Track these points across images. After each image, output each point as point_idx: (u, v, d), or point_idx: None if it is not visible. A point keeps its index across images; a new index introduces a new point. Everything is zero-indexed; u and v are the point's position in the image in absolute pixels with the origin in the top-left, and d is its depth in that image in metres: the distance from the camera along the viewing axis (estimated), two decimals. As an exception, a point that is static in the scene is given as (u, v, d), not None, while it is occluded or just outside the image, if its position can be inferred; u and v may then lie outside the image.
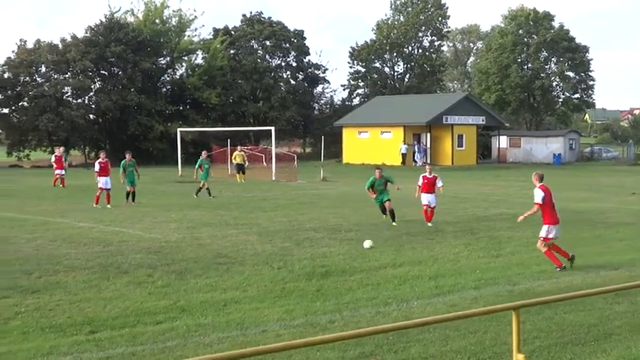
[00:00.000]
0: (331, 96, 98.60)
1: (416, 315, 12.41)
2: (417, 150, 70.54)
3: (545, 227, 16.85)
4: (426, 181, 24.64)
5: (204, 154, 35.73)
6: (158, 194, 36.48)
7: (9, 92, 75.86)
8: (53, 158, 43.46)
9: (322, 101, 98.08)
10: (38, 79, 76.94)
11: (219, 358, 6.25)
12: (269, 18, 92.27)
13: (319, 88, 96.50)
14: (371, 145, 72.53)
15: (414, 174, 54.23)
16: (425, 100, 76.54)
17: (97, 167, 31.13)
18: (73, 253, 18.37)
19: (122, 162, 31.50)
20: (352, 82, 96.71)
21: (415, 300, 13.64)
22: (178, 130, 60.27)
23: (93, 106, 78.63)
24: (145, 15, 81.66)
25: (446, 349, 10.67)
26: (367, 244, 19.38)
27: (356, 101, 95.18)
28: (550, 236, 16.79)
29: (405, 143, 69.73)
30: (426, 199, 24.63)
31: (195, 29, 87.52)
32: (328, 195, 36.50)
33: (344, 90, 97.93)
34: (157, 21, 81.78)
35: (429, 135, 70.50)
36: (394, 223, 23.88)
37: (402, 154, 69.27)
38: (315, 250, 18.95)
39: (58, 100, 74.10)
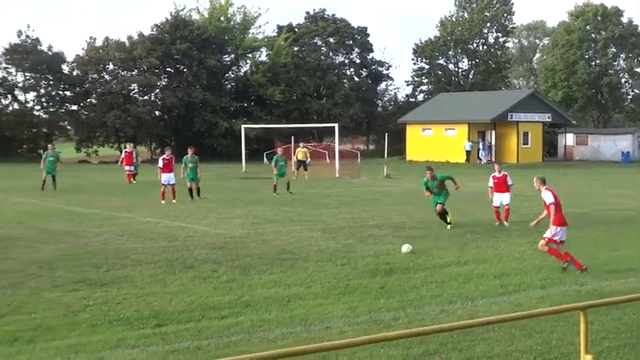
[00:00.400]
0: (395, 93, 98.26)
1: (481, 314, 12.29)
2: (481, 147, 69.88)
3: (553, 228, 16.33)
4: (496, 180, 24.10)
5: (279, 150, 35.86)
6: (223, 190, 36.77)
7: (78, 89, 77.30)
8: (123, 154, 44.24)
9: (386, 98, 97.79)
10: (106, 76, 78.23)
11: (284, 353, 6.27)
12: (332, 15, 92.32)
13: (383, 85, 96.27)
14: (435, 142, 72.05)
15: (479, 172, 53.81)
16: (490, 97, 75.73)
17: (160, 163, 31.54)
18: (139, 247, 18.63)
19: (184, 158, 31.82)
20: (416, 79, 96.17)
21: (480, 298, 13.52)
22: (242, 126, 60.66)
23: (159, 102, 79.64)
24: (209, 12, 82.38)
25: (511, 348, 10.55)
26: (405, 248, 18.29)
27: (420, 98, 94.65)
28: (556, 238, 16.37)
29: (469, 140, 69.11)
30: (498, 199, 23.95)
31: (260, 26, 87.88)
32: (391, 192, 36.38)
33: (407, 86, 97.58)
34: (222, 18, 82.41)
35: (493, 132, 69.76)
36: (448, 227, 22.69)
37: (467, 151, 68.67)
38: (378, 248, 18.91)
39: (125, 96, 75.28)
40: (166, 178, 30.87)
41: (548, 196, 16.56)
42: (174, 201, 30.05)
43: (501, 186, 23.96)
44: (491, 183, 24.21)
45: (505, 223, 23.54)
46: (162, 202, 29.98)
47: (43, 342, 10.72)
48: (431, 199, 23.91)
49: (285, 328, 11.54)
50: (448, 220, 23.08)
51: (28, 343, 10.65)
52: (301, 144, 50.99)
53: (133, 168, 41.99)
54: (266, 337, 11.06)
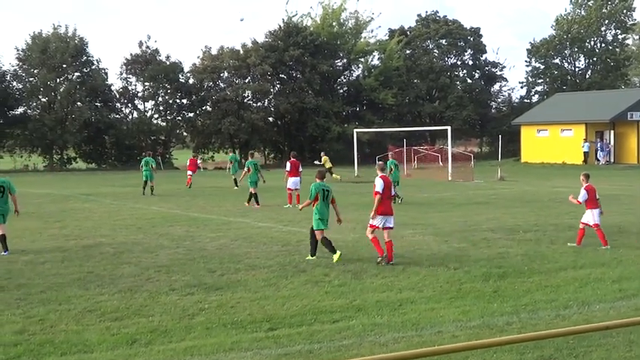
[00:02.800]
0: (509, 94, 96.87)
1: (597, 319, 11.96)
2: (599, 148, 68.01)
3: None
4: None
5: (390, 155, 35.64)
6: (335, 194, 36.88)
7: (194, 97, 79.16)
8: (188, 162, 47.48)
9: (499, 99, 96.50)
10: (221, 84, 79.79)
11: (396, 357, 6.26)
12: (444, 17, 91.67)
13: (496, 87, 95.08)
14: (550, 143, 70.56)
15: (597, 173, 52.40)
16: (608, 96, 73.63)
17: (288, 167, 31.74)
18: (253, 252, 18.90)
19: (248, 162, 32.41)
20: (530, 80, 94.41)
21: (597, 303, 13.16)
22: (355, 130, 60.85)
23: (272, 108, 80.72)
24: (322, 18, 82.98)
25: (630, 354, 10.23)
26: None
27: (534, 99, 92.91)
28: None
29: (586, 141, 67.37)
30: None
31: (372, 30, 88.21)
32: (505, 195, 35.81)
33: (522, 88, 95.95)
34: (334, 24, 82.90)
35: (612, 132, 67.81)
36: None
37: (584, 152, 66.97)
38: (491, 251, 18.65)
39: (239, 103, 76.67)
40: (292, 182, 31.16)
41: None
42: (288, 205, 30.39)
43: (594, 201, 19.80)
44: (584, 197, 19.69)
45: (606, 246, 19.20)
46: (288, 205, 30.40)
47: (160, 344, 11.00)
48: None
49: (396, 333, 11.50)
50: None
51: (146, 345, 10.95)
52: (322, 153, 51.84)
53: (191, 173, 45.12)
54: (377, 341, 11.05)
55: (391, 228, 17.58)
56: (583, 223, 19.60)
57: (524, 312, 12.62)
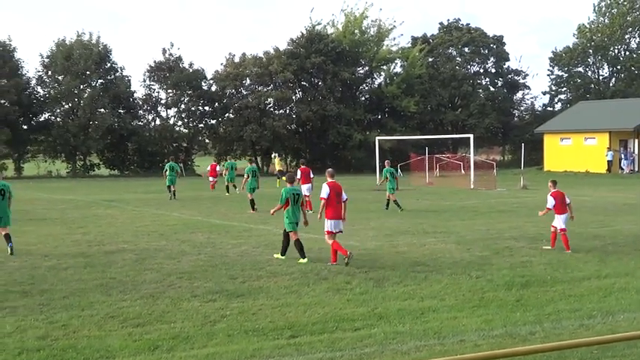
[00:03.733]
0: (532, 102, 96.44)
1: (622, 329, 11.85)
2: (623, 157, 67.54)
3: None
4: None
5: (387, 163, 35.09)
6: (356, 202, 36.91)
7: (216, 104, 79.43)
8: (209, 167, 50.31)
9: (522, 108, 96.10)
10: (243, 91, 80.00)
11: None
12: (467, 25, 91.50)
13: (519, 95, 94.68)
14: (574, 151, 70.16)
15: (621, 182, 52.10)
16: (632, 104, 73.03)
17: (298, 174, 32.10)
18: (274, 259, 18.91)
19: (247, 168, 33.83)
20: (554, 88, 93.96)
21: (621, 313, 13.05)
22: (377, 138, 60.75)
23: (294, 116, 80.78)
24: (344, 26, 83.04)
25: (655, 365, 10.13)
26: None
27: (557, 107, 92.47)
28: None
29: (610, 150, 66.93)
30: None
31: (394, 38, 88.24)
32: (528, 203, 35.63)
33: (544, 96, 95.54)
34: (356, 31, 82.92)
35: (636, 141, 67.31)
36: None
37: (608, 161, 66.53)
38: (514, 260, 18.55)
39: (261, 111, 76.82)
40: (305, 188, 31.49)
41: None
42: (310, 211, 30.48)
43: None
44: (551, 204, 20.47)
45: (568, 251, 19.89)
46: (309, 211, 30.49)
47: (182, 351, 11.01)
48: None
49: (418, 341, 11.46)
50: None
51: (168, 352, 10.96)
52: (273, 154, 52.62)
53: (215, 179, 47.81)
54: (399, 350, 11.02)
55: (341, 232, 18.86)
56: (554, 227, 20.51)
57: (547, 321, 12.54)
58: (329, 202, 18.62)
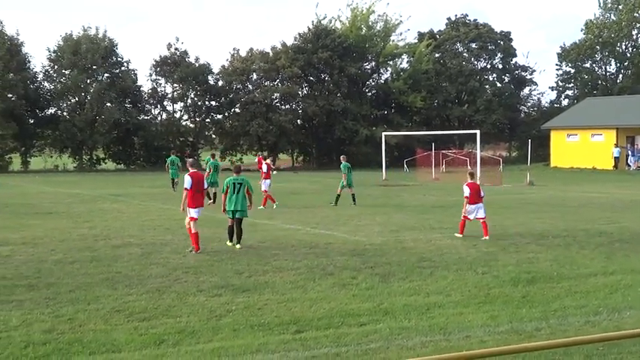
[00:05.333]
0: (539, 98, 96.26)
1: (628, 326, 11.83)
2: (630, 153, 67.39)
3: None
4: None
5: (342, 158, 34.59)
6: (363, 197, 36.91)
7: (222, 99, 79.46)
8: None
9: (529, 104, 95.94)
10: (249, 86, 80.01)
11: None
12: (474, 20, 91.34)
13: (526, 91, 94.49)
14: (580, 148, 70.08)
15: (628, 178, 51.99)
16: (639, 101, 72.95)
17: (265, 168, 32.64)
18: (280, 254, 18.91)
19: (209, 163, 34.61)
20: (561, 84, 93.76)
21: (628, 310, 13.01)
22: (383, 134, 60.76)
23: (300, 111, 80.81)
24: (351, 21, 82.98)
25: (661, 362, 10.10)
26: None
27: (564, 103, 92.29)
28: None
29: (617, 146, 66.78)
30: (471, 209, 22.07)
31: (401, 33, 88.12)
32: (535, 200, 35.58)
33: (552, 92, 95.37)
34: (363, 27, 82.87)
35: (643, 137, 67.23)
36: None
37: (615, 157, 66.41)
38: (520, 256, 18.52)
39: (267, 106, 76.84)
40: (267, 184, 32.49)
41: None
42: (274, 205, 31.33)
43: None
44: (467, 193, 21.98)
45: (486, 237, 21.43)
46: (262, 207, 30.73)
47: (187, 345, 11.01)
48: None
49: (424, 337, 11.44)
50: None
51: (174, 346, 10.96)
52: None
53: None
54: (405, 345, 11.00)
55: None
56: (465, 217, 22.12)
57: (553, 318, 12.51)
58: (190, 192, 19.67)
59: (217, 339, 11.34)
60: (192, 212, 19.47)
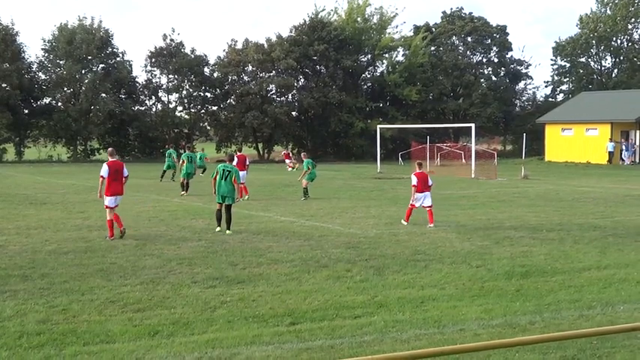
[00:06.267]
0: (534, 92, 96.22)
1: (622, 320, 11.86)
2: (624, 148, 67.49)
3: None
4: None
5: (303, 155, 34.75)
6: (357, 190, 36.96)
7: (218, 91, 79.36)
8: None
9: (524, 98, 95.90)
10: (245, 77, 79.91)
11: (418, 355, 6.23)
12: (470, 14, 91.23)
13: (521, 85, 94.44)
14: (575, 142, 70.12)
15: (622, 173, 52.06)
16: (634, 96, 72.89)
17: (235, 161, 32.45)
18: (275, 246, 18.93)
19: (183, 154, 35.50)
20: (556, 78, 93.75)
21: (621, 304, 13.05)
22: (378, 126, 60.74)
23: (295, 103, 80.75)
24: (347, 13, 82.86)
25: (654, 356, 10.13)
26: None
27: (560, 97, 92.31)
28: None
29: (612, 141, 66.88)
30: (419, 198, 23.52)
31: (396, 26, 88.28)
32: (529, 193, 35.63)
33: (546, 86, 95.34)
34: (359, 19, 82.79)
35: (638, 132, 67.26)
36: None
37: (609, 152, 66.49)
38: (514, 250, 18.55)
39: (262, 97, 76.73)
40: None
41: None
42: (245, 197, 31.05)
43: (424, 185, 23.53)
44: (414, 182, 23.47)
45: (431, 225, 22.81)
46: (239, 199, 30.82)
47: (181, 336, 11.03)
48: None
49: (418, 330, 11.47)
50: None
51: (168, 337, 10.97)
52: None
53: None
54: (399, 338, 11.02)
55: (117, 206, 20.53)
56: (412, 205, 23.43)
57: (547, 311, 12.55)
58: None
59: (212, 330, 11.36)
60: (107, 200, 20.28)
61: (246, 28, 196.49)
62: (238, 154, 33.20)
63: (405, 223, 23.25)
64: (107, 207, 20.27)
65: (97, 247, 18.62)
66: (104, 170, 20.36)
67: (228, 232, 20.95)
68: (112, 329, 11.29)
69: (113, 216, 20.17)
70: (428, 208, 23.22)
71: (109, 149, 22.30)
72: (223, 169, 21.39)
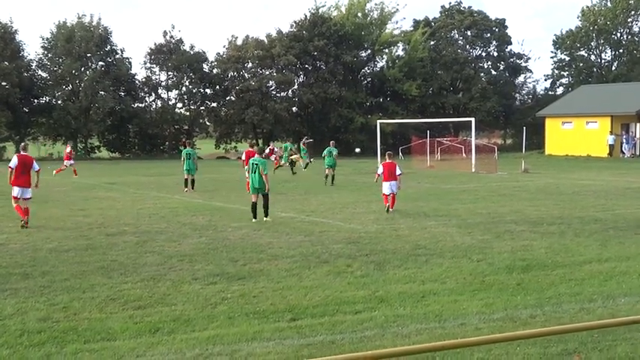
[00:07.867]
0: (534, 86, 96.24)
1: (622, 313, 11.85)
2: (624, 141, 67.45)
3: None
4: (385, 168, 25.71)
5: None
6: (358, 185, 36.93)
7: (217, 87, 79.36)
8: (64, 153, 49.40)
9: (524, 91, 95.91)
10: (245, 74, 79.87)
11: (419, 349, 6.22)
12: (469, 8, 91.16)
13: (521, 78, 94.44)
14: (575, 135, 70.06)
15: (623, 166, 52.03)
16: (634, 89, 72.82)
17: (243, 157, 32.82)
18: (275, 242, 18.91)
19: (183, 151, 34.65)
20: (556, 72, 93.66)
21: (622, 297, 13.03)
22: (378, 121, 60.67)
23: (295, 99, 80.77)
24: (347, 9, 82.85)
25: (656, 349, 10.11)
26: None
27: (559, 91, 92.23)
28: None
29: (612, 134, 66.82)
30: (387, 187, 25.37)
31: (396, 22, 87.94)
32: (529, 187, 35.61)
33: (546, 80, 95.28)
34: (359, 14, 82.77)
35: (638, 125, 67.20)
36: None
37: (609, 145, 66.44)
38: (515, 243, 18.53)
39: (262, 94, 76.77)
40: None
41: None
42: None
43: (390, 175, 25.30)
44: (380, 170, 25.85)
45: (391, 209, 24.96)
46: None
47: (182, 333, 11.01)
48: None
49: (419, 324, 11.45)
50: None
51: (169, 334, 10.96)
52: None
53: (72, 162, 46.38)
54: (400, 333, 11.00)
55: (30, 198, 22.24)
56: (384, 194, 25.52)
57: (548, 305, 12.53)
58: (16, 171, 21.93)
59: (212, 327, 11.34)
60: (13, 190, 21.86)
61: (247, 24, 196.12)
62: (248, 149, 33.55)
63: (386, 205, 25.20)
64: (14, 197, 21.94)
65: (98, 244, 18.62)
66: (13, 162, 21.81)
67: (265, 219, 22.63)
68: (112, 327, 11.28)
69: (16, 207, 21.76)
70: (392, 195, 25.10)
71: (22, 144, 23.62)
72: (252, 163, 22.87)
